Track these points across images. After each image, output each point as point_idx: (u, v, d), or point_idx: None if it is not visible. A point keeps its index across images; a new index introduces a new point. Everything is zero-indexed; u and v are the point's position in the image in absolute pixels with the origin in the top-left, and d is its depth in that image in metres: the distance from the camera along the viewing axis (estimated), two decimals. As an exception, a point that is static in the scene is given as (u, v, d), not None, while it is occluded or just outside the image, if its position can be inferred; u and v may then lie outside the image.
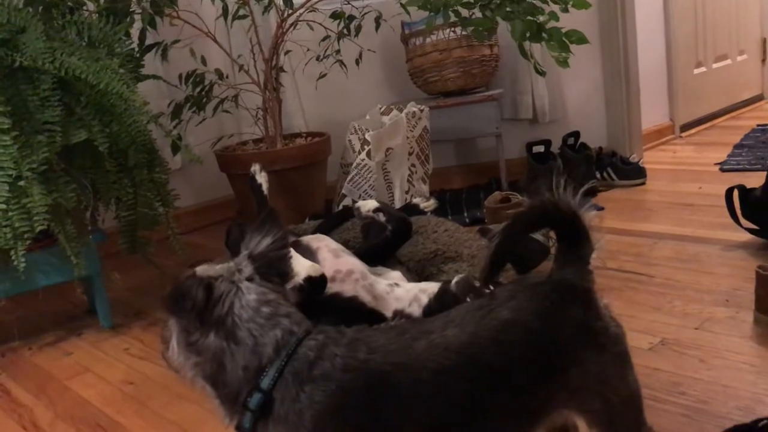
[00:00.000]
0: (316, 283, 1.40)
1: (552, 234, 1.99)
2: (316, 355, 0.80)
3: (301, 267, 1.44)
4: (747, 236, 1.91)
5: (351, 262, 1.54)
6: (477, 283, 1.36)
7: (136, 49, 2.23)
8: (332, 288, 1.46)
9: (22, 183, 1.60)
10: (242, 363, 0.81)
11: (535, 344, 0.83)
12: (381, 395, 0.79)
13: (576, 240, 0.88)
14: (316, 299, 1.41)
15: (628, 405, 0.89)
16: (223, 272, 0.86)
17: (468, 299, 1.34)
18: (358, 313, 1.42)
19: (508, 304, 0.85)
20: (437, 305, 1.40)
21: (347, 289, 1.47)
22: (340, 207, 2.33)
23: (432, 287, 1.45)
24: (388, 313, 1.42)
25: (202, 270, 0.86)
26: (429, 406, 0.79)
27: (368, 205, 1.77)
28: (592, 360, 0.84)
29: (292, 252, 1.49)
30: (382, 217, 1.74)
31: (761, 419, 0.97)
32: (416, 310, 1.42)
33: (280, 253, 0.90)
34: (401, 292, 1.46)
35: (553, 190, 0.85)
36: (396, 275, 1.54)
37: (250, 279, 0.86)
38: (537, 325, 0.83)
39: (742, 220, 1.93)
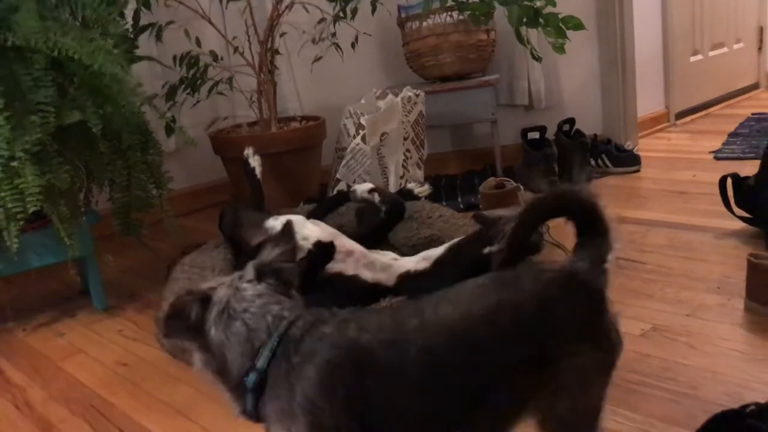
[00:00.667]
0: (325, 247, 1.42)
1: (545, 228, 1.99)
2: (305, 333, 0.82)
3: (311, 232, 1.46)
4: (739, 224, 1.92)
5: (349, 243, 1.55)
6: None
7: (130, 30, 2.22)
8: (333, 267, 1.47)
9: (15, 164, 1.59)
10: (239, 350, 0.83)
11: (529, 329, 0.82)
12: (367, 370, 0.80)
13: (594, 236, 0.86)
14: (318, 277, 1.42)
15: (587, 418, 0.87)
16: (226, 281, 0.89)
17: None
18: (360, 291, 1.44)
19: (509, 286, 0.84)
20: (451, 255, 1.41)
21: (348, 268, 1.48)
22: (335, 191, 2.33)
23: (436, 251, 1.47)
24: (392, 281, 1.44)
25: (204, 285, 0.90)
26: (415, 382, 0.79)
27: (363, 186, 1.78)
28: (583, 358, 0.83)
29: (304, 220, 1.51)
30: (376, 197, 1.74)
31: (749, 405, 0.98)
32: (424, 265, 1.44)
33: (287, 265, 0.91)
34: (406, 260, 1.48)
35: (562, 178, 0.85)
36: (391, 256, 1.55)
37: (249, 281, 0.88)
38: (535, 311, 0.82)
39: (735, 209, 1.94)
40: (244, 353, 0.83)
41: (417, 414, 0.80)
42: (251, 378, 0.82)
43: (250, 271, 0.89)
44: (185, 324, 0.84)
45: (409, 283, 1.47)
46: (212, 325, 0.84)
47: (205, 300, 0.85)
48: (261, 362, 0.82)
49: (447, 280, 0.92)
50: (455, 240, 1.52)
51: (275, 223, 1.57)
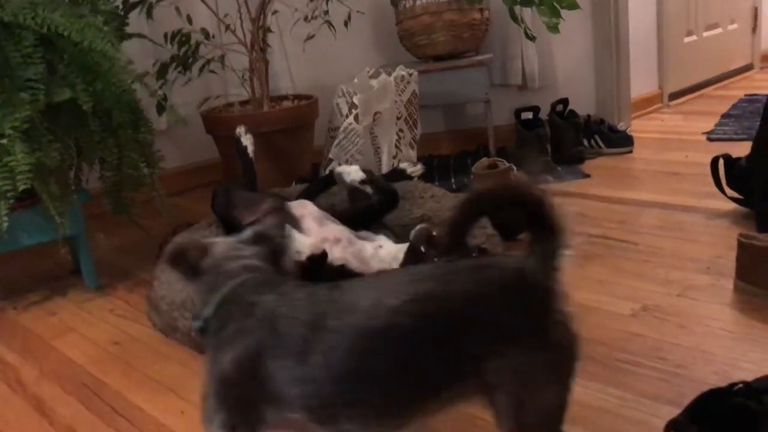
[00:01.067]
0: (317, 259, 1.43)
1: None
2: (242, 297, 0.89)
3: (303, 246, 1.46)
4: (731, 205, 1.93)
5: (336, 230, 1.55)
6: (434, 232, 1.39)
7: (120, 7, 2.20)
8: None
9: (4, 141, 1.58)
10: (201, 297, 0.94)
11: (446, 324, 0.80)
12: (269, 341, 0.84)
13: (544, 234, 0.83)
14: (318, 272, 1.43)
15: (543, 418, 0.84)
16: (226, 239, 0.99)
17: (422, 248, 1.38)
18: (347, 279, 1.43)
19: (441, 279, 0.83)
20: (407, 259, 1.43)
21: (336, 256, 1.48)
22: (327, 171, 2.32)
23: (402, 250, 1.47)
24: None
25: (206, 239, 1.00)
26: (314, 365, 0.80)
27: (353, 174, 1.75)
28: (517, 358, 0.80)
29: (293, 232, 1.50)
30: (369, 190, 1.73)
31: (736, 383, 0.99)
32: (395, 266, 1.45)
33: (280, 238, 1.01)
34: (383, 254, 1.48)
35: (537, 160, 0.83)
36: (380, 239, 1.55)
37: (245, 243, 0.97)
38: (458, 306, 0.80)
39: (727, 189, 1.94)
40: (203, 300, 0.93)
41: (315, 396, 0.81)
42: (195, 324, 0.93)
43: (248, 234, 0.98)
44: (183, 265, 0.95)
45: None
46: (202, 273, 0.94)
47: (203, 250, 0.95)
48: (206, 311, 0.91)
49: None
50: (406, 244, 1.50)
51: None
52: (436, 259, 1.37)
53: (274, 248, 0.98)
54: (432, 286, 0.82)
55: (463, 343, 0.80)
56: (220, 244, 0.97)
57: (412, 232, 1.43)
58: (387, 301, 0.81)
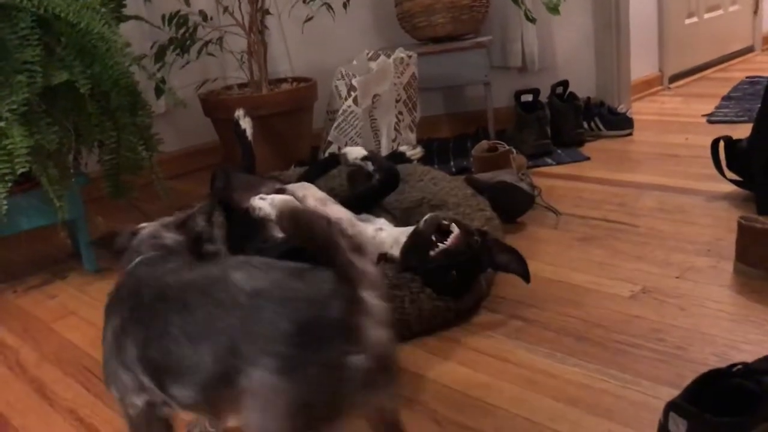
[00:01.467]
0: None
1: (537, 191, 2.00)
2: (135, 270, 0.96)
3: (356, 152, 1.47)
4: (731, 187, 1.92)
5: (337, 211, 1.54)
6: (445, 222, 1.39)
7: (118, -12, 2.18)
8: None
9: (2, 124, 1.57)
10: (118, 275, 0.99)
11: (219, 321, 0.77)
12: (133, 307, 0.90)
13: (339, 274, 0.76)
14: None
15: None
16: (154, 224, 1.05)
17: (433, 237, 1.37)
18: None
19: (261, 277, 0.79)
20: (409, 242, 1.43)
21: None
22: (326, 154, 2.32)
23: (405, 234, 1.47)
24: (374, 256, 1.44)
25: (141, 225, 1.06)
26: (148, 326, 0.86)
27: (356, 152, 1.76)
28: (257, 384, 0.74)
29: (294, 202, 1.49)
30: (370, 166, 1.73)
31: (736, 365, 0.99)
32: (397, 251, 1.44)
33: (202, 224, 1.06)
34: (384, 236, 1.47)
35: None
36: (381, 222, 1.55)
37: (168, 228, 1.03)
38: (246, 303, 0.76)
39: (727, 172, 1.94)
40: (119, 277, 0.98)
41: (144, 359, 0.86)
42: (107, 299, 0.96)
43: (172, 219, 1.04)
44: (110, 247, 1.02)
45: (384, 264, 1.47)
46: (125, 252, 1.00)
47: (133, 234, 1.02)
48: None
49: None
50: (408, 228, 1.51)
51: (262, 203, 1.52)
52: (440, 244, 1.37)
53: (195, 234, 1.03)
54: (251, 281, 0.78)
55: (231, 344, 0.75)
56: (148, 227, 1.03)
57: (422, 221, 1.42)
58: (201, 281, 0.84)
